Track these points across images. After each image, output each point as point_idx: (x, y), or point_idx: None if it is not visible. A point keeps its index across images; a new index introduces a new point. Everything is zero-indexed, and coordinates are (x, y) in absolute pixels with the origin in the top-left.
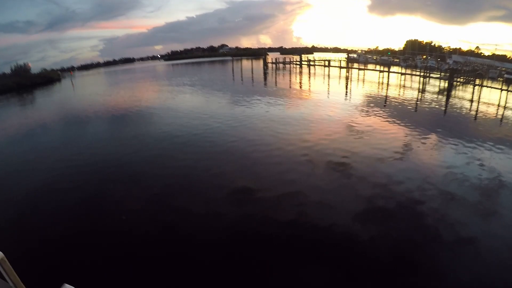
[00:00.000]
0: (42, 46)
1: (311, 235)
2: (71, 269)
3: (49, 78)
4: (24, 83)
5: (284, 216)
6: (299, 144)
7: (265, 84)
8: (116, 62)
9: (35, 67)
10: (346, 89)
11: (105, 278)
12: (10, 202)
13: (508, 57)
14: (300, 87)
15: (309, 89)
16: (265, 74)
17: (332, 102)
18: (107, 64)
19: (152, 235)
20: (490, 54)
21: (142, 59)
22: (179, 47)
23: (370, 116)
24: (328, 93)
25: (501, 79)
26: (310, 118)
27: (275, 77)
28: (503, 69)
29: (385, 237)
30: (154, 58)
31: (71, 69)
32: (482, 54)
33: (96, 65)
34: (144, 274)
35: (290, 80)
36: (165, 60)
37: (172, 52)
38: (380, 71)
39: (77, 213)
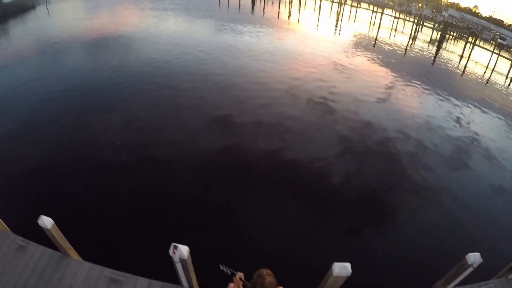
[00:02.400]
0: None
1: (287, 166)
2: (50, 200)
3: (23, 6)
4: None
5: (264, 147)
6: (283, 77)
7: (253, 12)
8: None
9: None
10: (337, 25)
11: (83, 207)
12: None
13: (504, 23)
14: (289, 19)
15: (298, 22)
16: (253, 1)
17: (321, 37)
18: None
19: (134, 161)
20: (488, 16)
21: None
22: None
23: (358, 56)
24: (318, 28)
25: (494, 42)
26: (296, 52)
27: (263, 6)
28: (498, 33)
29: (358, 173)
30: None
31: None
32: (479, 14)
33: None
34: (124, 203)
35: (279, 10)
36: None
37: None
38: (373, 11)
39: (56, 146)
